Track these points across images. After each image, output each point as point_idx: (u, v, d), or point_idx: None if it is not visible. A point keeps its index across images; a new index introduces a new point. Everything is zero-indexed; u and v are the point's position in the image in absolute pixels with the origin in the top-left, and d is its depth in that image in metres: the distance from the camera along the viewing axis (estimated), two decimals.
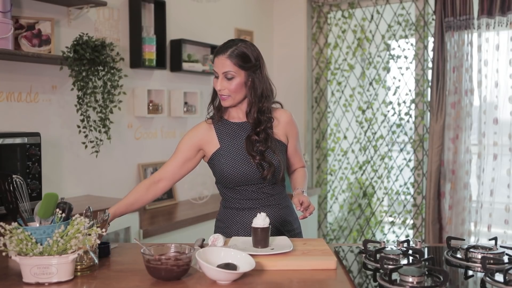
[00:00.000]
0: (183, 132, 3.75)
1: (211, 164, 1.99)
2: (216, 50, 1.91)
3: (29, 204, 1.65)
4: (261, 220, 1.66)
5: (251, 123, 1.95)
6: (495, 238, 1.80)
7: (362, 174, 4.50)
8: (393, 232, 4.44)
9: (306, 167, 2.16)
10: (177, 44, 3.57)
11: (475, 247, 1.67)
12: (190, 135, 2.00)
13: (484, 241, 3.58)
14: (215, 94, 1.99)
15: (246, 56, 1.88)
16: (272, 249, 1.65)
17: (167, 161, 2.00)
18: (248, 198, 1.96)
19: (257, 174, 1.91)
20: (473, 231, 3.81)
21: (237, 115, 1.99)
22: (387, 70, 4.33)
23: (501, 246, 1.72)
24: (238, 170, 1.91)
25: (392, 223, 4.43)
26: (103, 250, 1.69)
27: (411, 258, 1.62)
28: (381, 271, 1.47)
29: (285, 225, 2.01)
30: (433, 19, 3.99)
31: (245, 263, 1.48)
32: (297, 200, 1.82)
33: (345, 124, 4.57)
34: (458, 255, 1.68)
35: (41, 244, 1.44)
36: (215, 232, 2.05)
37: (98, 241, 1.54)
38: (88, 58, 2.73)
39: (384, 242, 1.71)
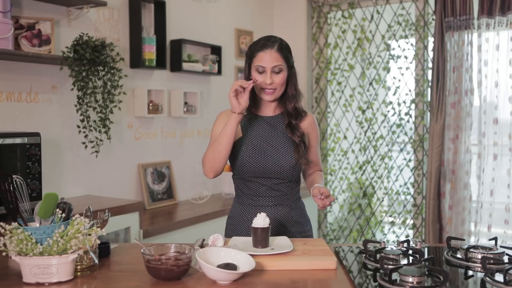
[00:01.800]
0: (183, 132, 3.76)
1: (231, 152, 1.97)
2: (259, 46, 1.91)
3: (29, 204, 1.65)
4: (261, 220, 1.66)
5: (291, 110, 1.97)
6: (495, 238, 1.81)
7: (362, 174, 4.50)
8: (393, 232, 4.44)
9: (323, 171, 2.15)
10: (177, 44, 3.57)
11: (475, 247, 1.67)
12: (220, 122, 1.98)
13: (484, 241, 3.58)
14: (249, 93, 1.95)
15: (289, 49, 1.95)
16: (272, 249, 1.65)
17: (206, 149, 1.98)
18: (261, 194, 1.97)
19: (273, 167, 1.92)
20: (473, 231, 3.81)
21: (264, 109, 2.02)
22: (387, 70, 4.33)
23: (501, 246, 1.72)
24: (257, 160, 1.92)
25: (392, 223, 4.43)
26: (103, 250, 1.69)
27: (411, 258, 1.62)
28: (381, 271, 1.47)
29: (296, 226, 2.01)
30: (433, 19, 3.99)
31: (245, 263, 1.48)
32: (317, 191, 1.82)
33: (345, 124, 4.57)
34: (458, 255, 1.68)
35: (41, 244, 1.44)
36: (226, 230, 2.07)
37: (98, 241, 1.54)
38: (88, 58, 2.73)
39: (384, 242, 1.70)
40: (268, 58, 1.88)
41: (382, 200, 4.50)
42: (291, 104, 1.98)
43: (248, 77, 1.96)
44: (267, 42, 1.91)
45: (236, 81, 1.84)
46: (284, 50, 1.92)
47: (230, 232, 2.04)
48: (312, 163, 2.09)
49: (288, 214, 1.99)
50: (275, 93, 1.93)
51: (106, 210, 1.75)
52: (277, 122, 2.01)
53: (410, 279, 1.35)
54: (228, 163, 2.02)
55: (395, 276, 1.39)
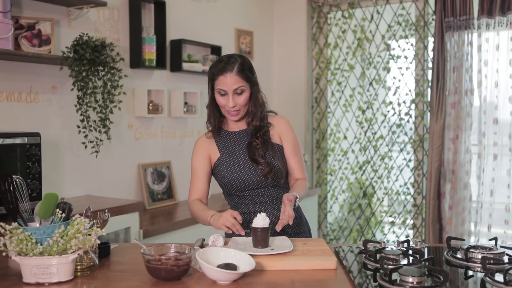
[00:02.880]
0: (183, 132, 3.75)
1: (214, 173, 2.06)
2: (219, 69, 1.91)
3: (29, 204, 1.65)
4: (261, 220, 1.66)
5: (251, 129, 2.00)
6: (495, 238, 1.81)
7: (362, 174, 4.50)
8: (393, 232, 4.44)
9: (307, 180, 2.09)
10: (177, 44, 3.57)
11: (475, 247, 1.67)
12: (196, 150, 2.07)
13: (484, 241, 3.57)
14: (214, 110, 2.01)
15: (250, 68, 1.95)
16: (272, 249, 1.65)
17: (190, 184, 2.06)
18: (253, 202, 1.99)
19: (257, 178, 1.95)
20: (473, 231, 3.81)
21: (236, 125, 2.05)
22: (387, 70, 4.33)
23: (501, 246, 1.72)
24: (239, 175, 1.96)
25: (392, 223, 4.43)
26: (103, 250, 1.69)
27: (411, 258, 1.62)
28: (381, 271, 1.47)
29: (291, 228, 2.00)
30: (433, 19, 3.99)
31: (245, 263, 1.48)
32: (285, 199, 1.79)
33: (345, 124, 4.58)
34: (458, 255, 1.68)
35: (41, 244, 1.44)
36: (227, 237, 2.07)
37: (98, 241, 1.54)
38: (88, 58, 2.73)
39: (384, 242, 1.71)
40: (228, 81, 1.89)
41: (382, 200, 4.50)
42: (252, 122, 1.99)
43: (211, 98, 1.99)
44: (227, 65, 1.90)
45: (226, 221, 1.76)
46: (245, 70, 1.92)
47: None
48: (292, 171, 2.05)
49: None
50: (240, 113, 1.96)
51: (106, 210, 1.75)
52: (249, 135, 2.03)
53: (410, 279, 1.35)
54: None
55: (395, 276, 1.39)
